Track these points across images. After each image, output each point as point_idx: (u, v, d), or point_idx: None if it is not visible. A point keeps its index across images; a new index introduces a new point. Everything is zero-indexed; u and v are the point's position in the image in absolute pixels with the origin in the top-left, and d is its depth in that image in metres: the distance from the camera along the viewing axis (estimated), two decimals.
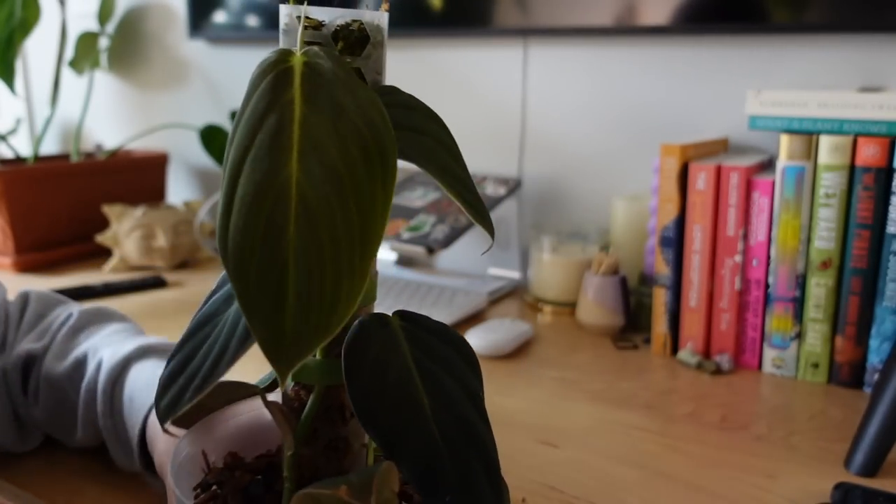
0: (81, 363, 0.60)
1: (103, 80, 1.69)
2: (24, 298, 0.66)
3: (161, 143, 1.59)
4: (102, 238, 1.25)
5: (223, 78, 1.53)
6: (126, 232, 1.24)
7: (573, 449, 0.67)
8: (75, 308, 0.66)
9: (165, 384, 0.33)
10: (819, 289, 0.81)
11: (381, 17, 0.34)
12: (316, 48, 0.31)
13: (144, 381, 0.56)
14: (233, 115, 1.39)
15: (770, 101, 0.85)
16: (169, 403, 0.33)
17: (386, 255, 1.24)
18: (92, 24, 1.59)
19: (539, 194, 1.21)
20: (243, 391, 0.40)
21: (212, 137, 1.40)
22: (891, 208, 0.76)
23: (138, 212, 1.25)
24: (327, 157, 0.28)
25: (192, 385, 0.32)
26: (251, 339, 0.31)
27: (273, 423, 0.41)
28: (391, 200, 0.29)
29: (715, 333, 0.87)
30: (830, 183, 0.79)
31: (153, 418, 0.52)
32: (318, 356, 0.36)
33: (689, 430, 0.71)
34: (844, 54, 0.96)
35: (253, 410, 0.43)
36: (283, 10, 0.34)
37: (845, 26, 0.94)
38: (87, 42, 1.56)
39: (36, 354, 0.62)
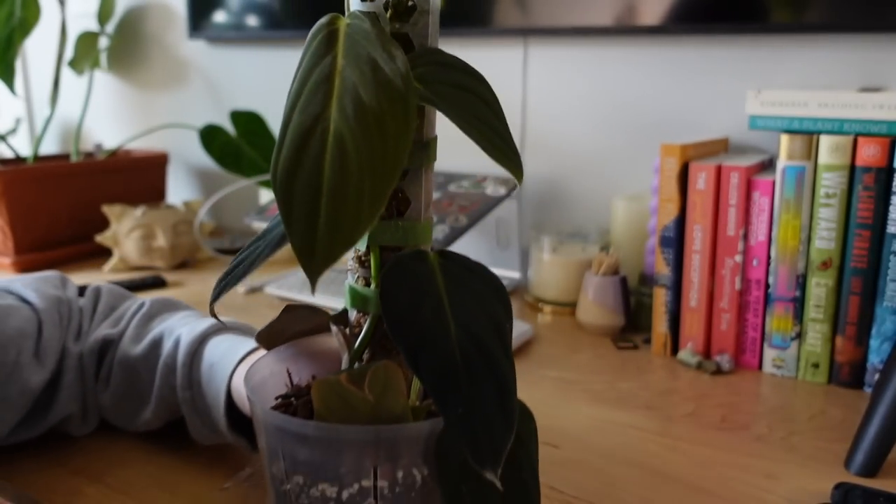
0: (157, 344, 0.64)
1: (103, 80, 1.69)
2: (97, 292, 0.71)
3: (161, 143, 1.59)
4: (102, 238, 1.25)
5: (223, 78, 1.53)
6: (126, 232, 1.24)
7: (573, 449, 0.67)
8: (146, 298, 0.71)
9: (221, 278, 0.42)
10: (819, 289, 0.81)
11: None
12: (359, 13, 0.37)
13: (222, 352, 0.60)
14: (233, 114, 1.40)
15: (770, 101, 0.85)
16: (219, 289, 0.42)
17: None
18: (92, 24, 1.59)
19: (539, 194, 1.21)
20: (316, 318, 0.47)
21: (212, 137, 1.40)
22: (891, 208, 0.76)
23: (138, 212, 1.25)
24: (359, 101, 0.33)
25: (235, 277, 0.41)
26: (282, 243, 0.41)
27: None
28: (411, 139, 0.33)
29: (715, 333, 0.87)
30: (831, 183, 0.79)
31: (236, 380, 0.57)
32: (374, 287, 0.41)
33: (690, 431, 0.71)
34: (844, 54, 0.96)
35: (335, 344, 0.48)
36: None
37: (845, 26, 0.94)
38: (86, 42, 1.56)
39: (112, 339, 0.66)
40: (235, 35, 1.45)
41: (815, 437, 0.69)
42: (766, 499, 0.59)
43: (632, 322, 0.98)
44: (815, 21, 0.95)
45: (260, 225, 1.16)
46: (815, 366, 0.82)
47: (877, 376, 0.75)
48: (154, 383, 0.63)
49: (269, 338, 0.48)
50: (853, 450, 0.64)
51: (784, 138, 0.81)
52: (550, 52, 1.16)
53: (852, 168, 0.78)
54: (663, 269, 0.89)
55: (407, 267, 0.38)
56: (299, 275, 1.18)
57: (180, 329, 0.64)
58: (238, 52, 1.49)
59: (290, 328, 0.47)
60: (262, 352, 0.50)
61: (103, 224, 1.35)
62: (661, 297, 0.90)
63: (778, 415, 0.74)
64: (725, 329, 0.86)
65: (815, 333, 0.82)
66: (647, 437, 0.70)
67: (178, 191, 1.62)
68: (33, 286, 0.66)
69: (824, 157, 0.79)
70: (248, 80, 1.49)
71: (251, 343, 0.59)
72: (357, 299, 0.42)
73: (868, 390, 0.80)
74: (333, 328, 0.43)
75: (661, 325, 0.90)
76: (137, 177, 1.45)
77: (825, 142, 0.79)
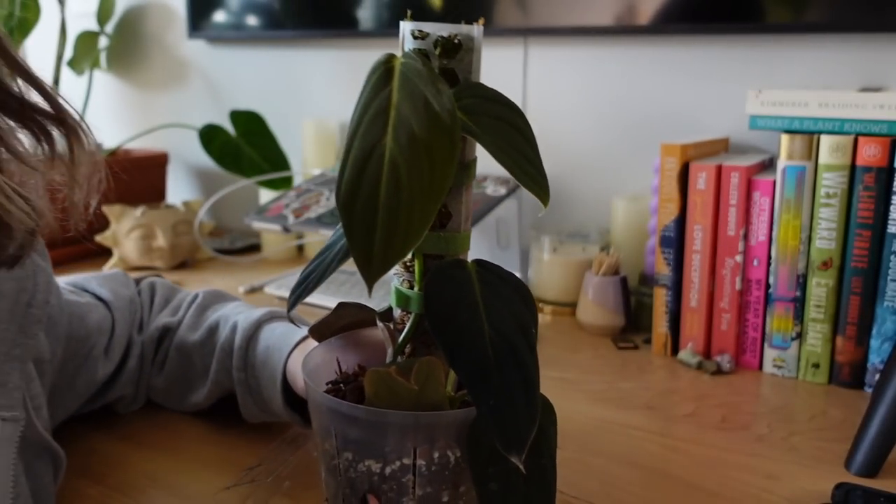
0: (214, 331, 0.70)
1: (103, 80, 1.68)
2: (152, 286, 0.77)
3: (161, 143, 1.59)
4: (102, 238, 1.25)
5: (223, 78, 1.53)
6: (125, 232, 1.24)
7: (573, 449, 0.67)
8: (198, 290, 0.76)
9: (294, 288, 0.48)
10: (820, 289, 0.81)
11: (471, 30, 0.45)
12: (412, 53, 0.42)
13: (277, 336, 0.65)
14: (233, 114, 1.39)
15: (770, 101, 0.85)
16: (294, 298, 0.48)
17: None
18: (91, 24, 1.59)
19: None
20: (365, 314, 0.52)
21: (211, 137, 1.40)
22: (892, 208, 0.76)
23: (138, 212, 1.25)
24: (411, 131, 0.38)
25: (309, 286, 0.47)
26: (347, 256, 0.46)
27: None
28: (455, 166, 0.38)
29: (715, 333, 0.87)
30: (831, 183, 0.79)
31: (292, 363, 0.62)
32: (416, 289, 0.46)
33: (690, 431, 0.71)
34: (844, 54, 0.96)
35: (380, 337, 0.52)
36: (403, 24, 0.45)
37: (845, 26, 0.94)
38: (86, 42, 1.56)
39: (171, 327, 0.72)
40: (235, 35, 1.45)
41: (815, 438, 0.69)
42: (767, 499, 0.59)
43: (632, 322, 0.98)
44: (815, 21, 0.95)
45: (259, 225, 1.16)
46: (816, 366, 0.82)
47: (877, 376, 0.75)
48: (210, 367, 0.68)
49: (321, 330, 0.53)
50: (854, 450, 0.64)
51: (784, 138, 0.81)
52: (550, 52, 1.16)
53: (853, 168, 0.78)
54: (663, 269, 0.89)
55: (448, 274, 0.44)
56: (298, 275, 1.18)
57: (236, 317, 0.69)
58: (238, 52, 1.49)
59: (339, 322, 0.53)
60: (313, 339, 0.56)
61: (103, 224, 1.34)
62: (661, 298, 0.90)
63: (778, 415, 0.74)
64: (726, 329, 0.86)
65: (816, 333, 0.82)
66: (648, 437, 0.69)
67: (178, 191, 1.62)
68: (107, 286, 0.71)
69: (825, 157, 0.79)
70: (248, 80, 1.49)
71: (303, 330, 0.63)
72: (401, 299, 0.47)
73: (868, 390, 0.80)
74: (380, 324, 0.48)
75: (661, 325, 0.90)
76: (137, 177, 1.44)
77: (825, 142, 0.79)
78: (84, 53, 1.55)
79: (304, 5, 1.36)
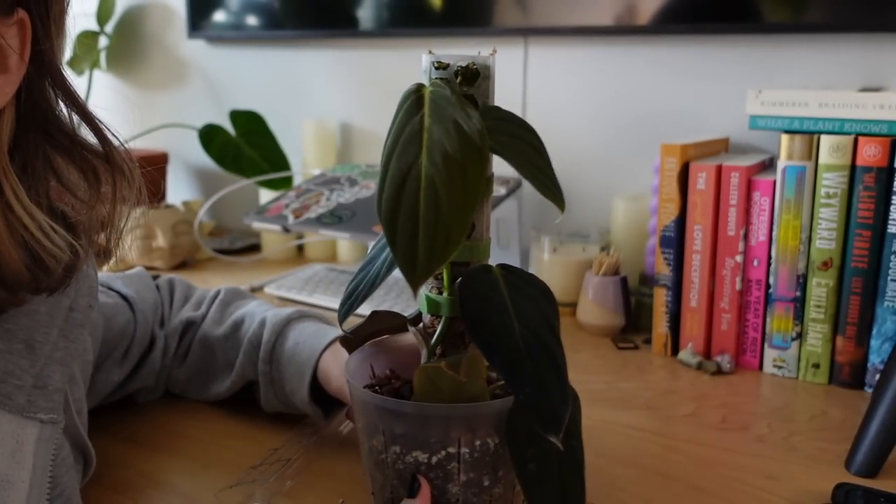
0: (239, 325, 0.73)
1: (102, 80, 1.68)
2: (171, 283, 0.80)
3: (160, 143, 1.59)
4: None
5: (223, 78, 1.53)
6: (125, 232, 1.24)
7: None
8: (220, 287, 0.80)
9: (344, 300, 0.53)
10: (820, 289, 0.81)
11: (486, 59, 0.49)
12: (440, 82, 0.47)
13: (308, 334, 0.69)
14: (232, 114, 1.39)
15: (770, 101, 0.85)
16: (346, 310, 0.52)
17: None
18: (91, 24, 1.59)
19: (539, 194, 1.20)
20: (396, 320, 0.56)
21: (211, 137, 1.40)
22: (892, 208, 0.76)
23: (137, 212, 1.25)
24: (444, 151, 0.43)
25: (358, 297, 0.52)
26: (393, 266, 0.50)
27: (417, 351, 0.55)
28: (485, 180, 0.44)
29: (715, 334, 0.87)
30: (831, 183, 0.79)
31: (324, 361, 0.66)
32: (446, 294, 0.50)
33: (690, 431, 0.71)
34: (844, 54, 0.96)
35: (406, 343, 0.58)
36: (424, 57, 0.49)
37: (845, 26, 0.94)
38: (86, 42, 1.56)
39: (194, 321, 0.75)
40: (235, 35, 1.45)
41: (815, 438, 0.69)
42: (767, 499, 0.59)
43: (632, 322, 0.98)
44: (815, 21, 0.95)
45: (259, 225, 1.16)
46: (816, 366, 0.82)
47: (877, 376, 0.75)
48: (236, 359, 0.71)
49: (355, 337, 0.57)
50: (854, 450, 0.64)
51: (784, 138, 0.81)
52: (550, 52, 1.16)
53: (853, 168, 0.78)
54: (664, 270, 0.89)
55: (478, 278, 0.48)
56: (298, 275, 1.18)
57: (264, 313, 0.73)
58: (238, 51, 1.49)
59: (371, 329, 0.57)
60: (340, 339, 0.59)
61: None
62: (661, 298, 0.90)
63: (778, 415, 0.74)
64: (726, 329, 0.86)
65: (816, 334, 0.82)
66: (648, 437, 0.69)
67: (178, 191, 1.62)
68: (133, 287, 0.73)
69: (825, 157, 0.79)
70: (247, 79, 1.49)
71: (335, 330, 0.69)
72: (431, 305, 0.51)
73: (869, 391, 0.79)
74: (412, 329, 0.52)
75: (661, 325, 0.90)
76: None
77: (825, 142, 0.79)
78: (84, 53, 1.55)
79: (304, 5, 1.36)
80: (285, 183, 1.36)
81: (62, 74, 0.48)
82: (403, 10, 1.24)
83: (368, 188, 1.17)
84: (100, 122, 0.50)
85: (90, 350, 0.61)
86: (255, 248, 1.40)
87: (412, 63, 1.29)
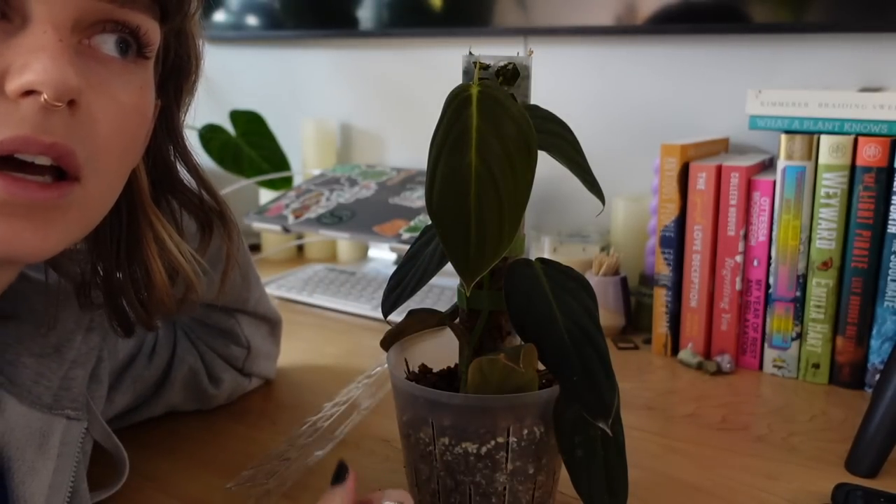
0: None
1: None
2: None
3: None
4: None
5: (223, 78, 1.52)
6: None
7: None
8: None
9: (387, 293, 0.54)
10: (820, 289, 0.81)
11: (527, 60, 0.51)
12: (487, 82, 0.47)
13: None
14: (232, 114, 1.39)
15: (770, 101, 0.85)
16: (391, 303, 0.53)
17: (385, 254, 1.24)
18: None
19: (539, 194, 1.20)
20: (434, 318, 0.57)
21: (211, 137, 1.40)
22: (892, 208, 0.76)
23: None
24: (493, 150, 0.44)
25: (406, 290, 0.53)
26: (444, 262, 0.50)
27: (448, 347, 0.56)
28: (534, 176, 0.43)
29: (715, 334, 0.87)
30: (831, 183, 0.79)
31: None
32: (485, 289, 0.51)
33: (690, 431, 0.71)
34: (844, 54, 0.96)
35: (437, 338, 0.59)
36: (465, 58, 0.50)
37: (845, 26, 0.94)
38: None
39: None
40: (235, 35, 1.45)
41: (815, 438, 0.69)
42: (767, 499, 0.59)
43: (632, 322, 0.98)
44: (815, 21, 0.95)
45: (259, 225, 1.16)
46: (816, 366, 0.82)
47: (877, 377, 0.75)
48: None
49: (394, 334, 0.58)
50: (854, 450, 0.64)
51: (784, 138, 0.81)
52: (551, 52, 1.16)
53: (853, 168, 0.78)
54: (664, 270, 0.89)
55: (520, 272, 0.49)
56: (298, 275, 1.18)
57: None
58: (238, 51, 1.49)
59: (411, 327, 0.58)
60: None
61: None
62: (661, 298, 0.90)
63: (778, 415, 0.74)
64: (726, 329, 0.86)
65: (816, 334, 0.82)
66: (648, 437, 0.69)
67: None
68: None
69: (825, 157, 0.79)
70: (248, 80, 1.49)
71: None
72: (473, 299, 0.51)
73: (869, 391, 0.79)
74: (450, 324, 0.54)
75: (661, 325, 0.90)
76: None
77: (825, 142, 0.79)
78: None
79: (304, 5, 1.36)
80: (285, 183, 1.36)
81: (185, 142, 0.59)
82: (403, 10, 1.24)
83: (368, 188, 1.17)
84: (214, 186, 0.60)
85: (105, 350, 0.61)
86: (255, 248, 1.40)
87: (412, 63, 1.30)
